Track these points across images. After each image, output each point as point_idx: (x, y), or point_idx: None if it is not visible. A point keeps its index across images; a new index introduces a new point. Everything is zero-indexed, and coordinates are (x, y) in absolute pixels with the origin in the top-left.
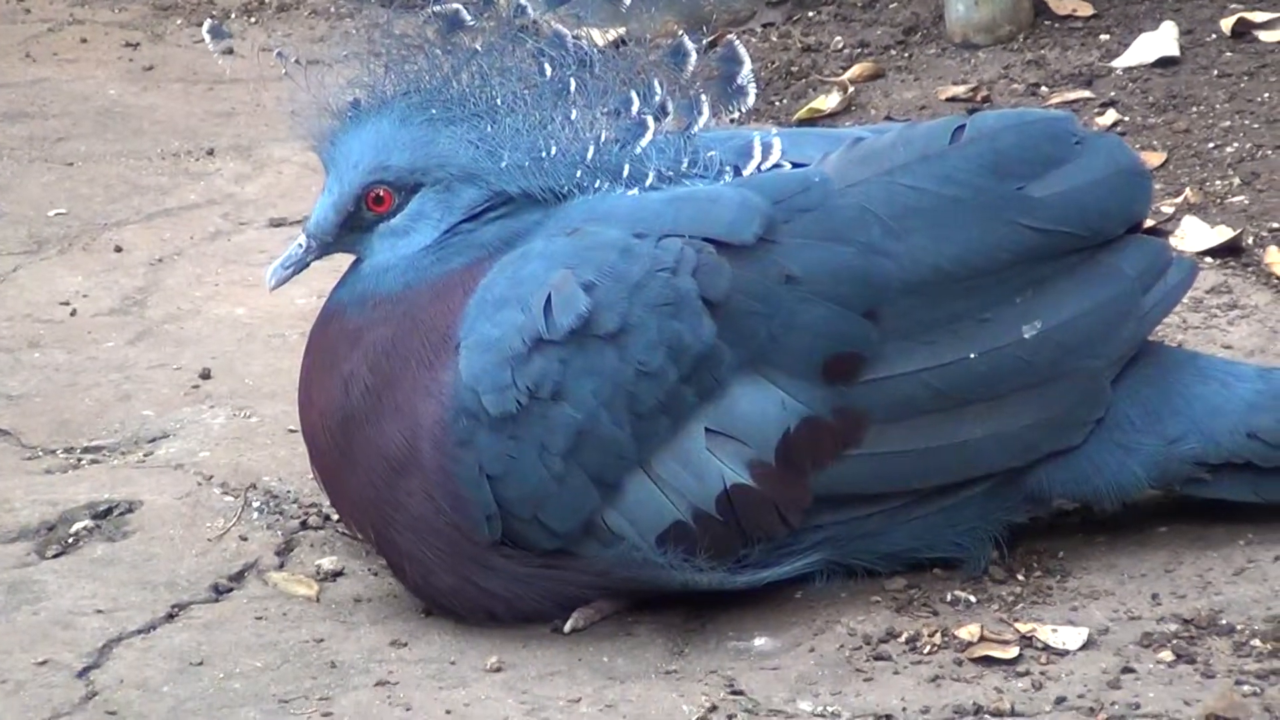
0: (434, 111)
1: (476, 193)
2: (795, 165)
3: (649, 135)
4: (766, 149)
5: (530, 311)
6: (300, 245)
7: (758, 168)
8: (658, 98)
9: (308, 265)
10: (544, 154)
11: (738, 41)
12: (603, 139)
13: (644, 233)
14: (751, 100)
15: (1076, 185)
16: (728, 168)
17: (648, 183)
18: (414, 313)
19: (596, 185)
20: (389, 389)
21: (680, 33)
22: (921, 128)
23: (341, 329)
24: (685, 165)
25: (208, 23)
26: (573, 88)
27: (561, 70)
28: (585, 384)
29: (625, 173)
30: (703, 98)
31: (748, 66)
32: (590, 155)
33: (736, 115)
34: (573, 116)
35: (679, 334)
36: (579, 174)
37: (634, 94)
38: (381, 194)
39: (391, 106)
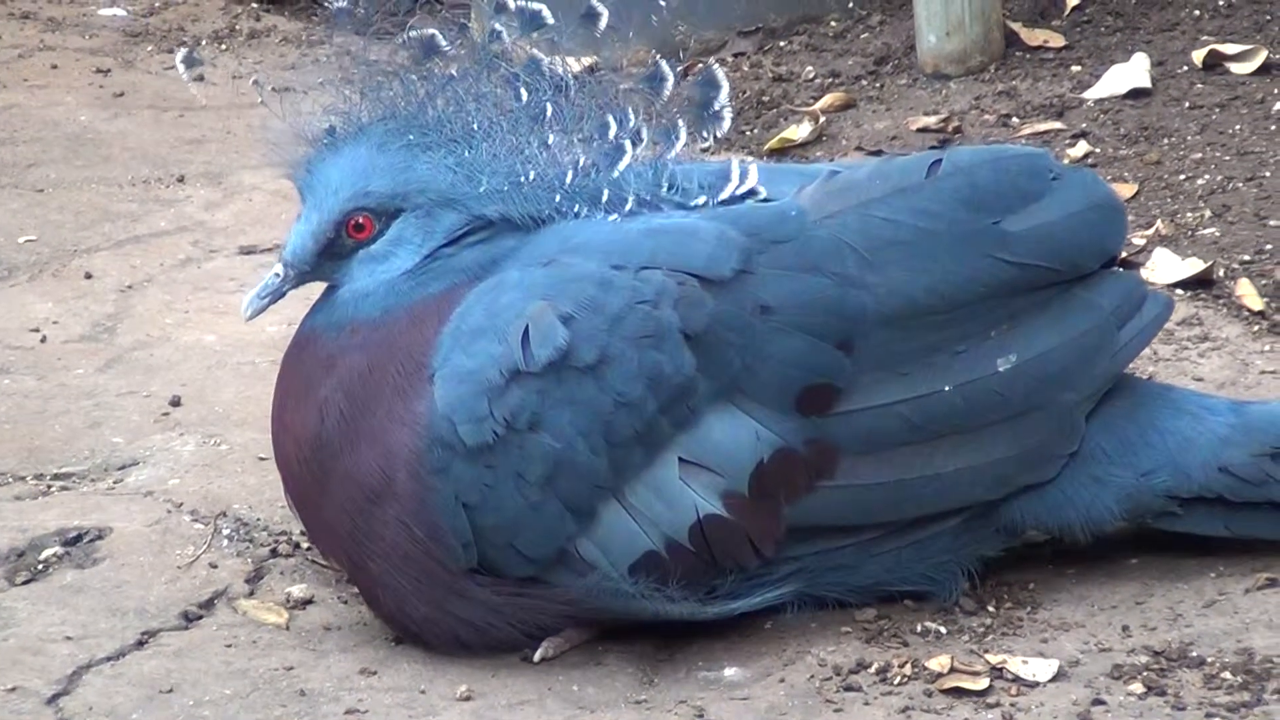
0: (411, 137)
1: (456, 217)
2: (767, 200)
3: (626, 159)
4: (744, 174)
5: (507, 343)
6: (277, 274)
7: (734, 192)
8: (633, 123)
9: (284, 294)
10: (522, 179)
11: (716, 66)
12: (580, 163)
13: (621, 264)
14: (728, 125)
15: (1052, 220)
16: (704, 192)
17: (627, 207)
18: (391, 339)
19: (576, 210)
20: (364, 416)
21: (657, 58)
22: (898, 162)
23: (316, 355)
24: (665, 190)
25: (181, 51)
26: (549, 113)
27: (538, 95)
28: (563, 414)
29: (604, 197)
30: (679, 122)
31: (725, 91)
32: (569, 180)
33: (711, 141)
34: (550, 141)
35: (659, 365)
36: (558, 199)
37: (611, 119)
38: (362, 220)
39: (369, 133)
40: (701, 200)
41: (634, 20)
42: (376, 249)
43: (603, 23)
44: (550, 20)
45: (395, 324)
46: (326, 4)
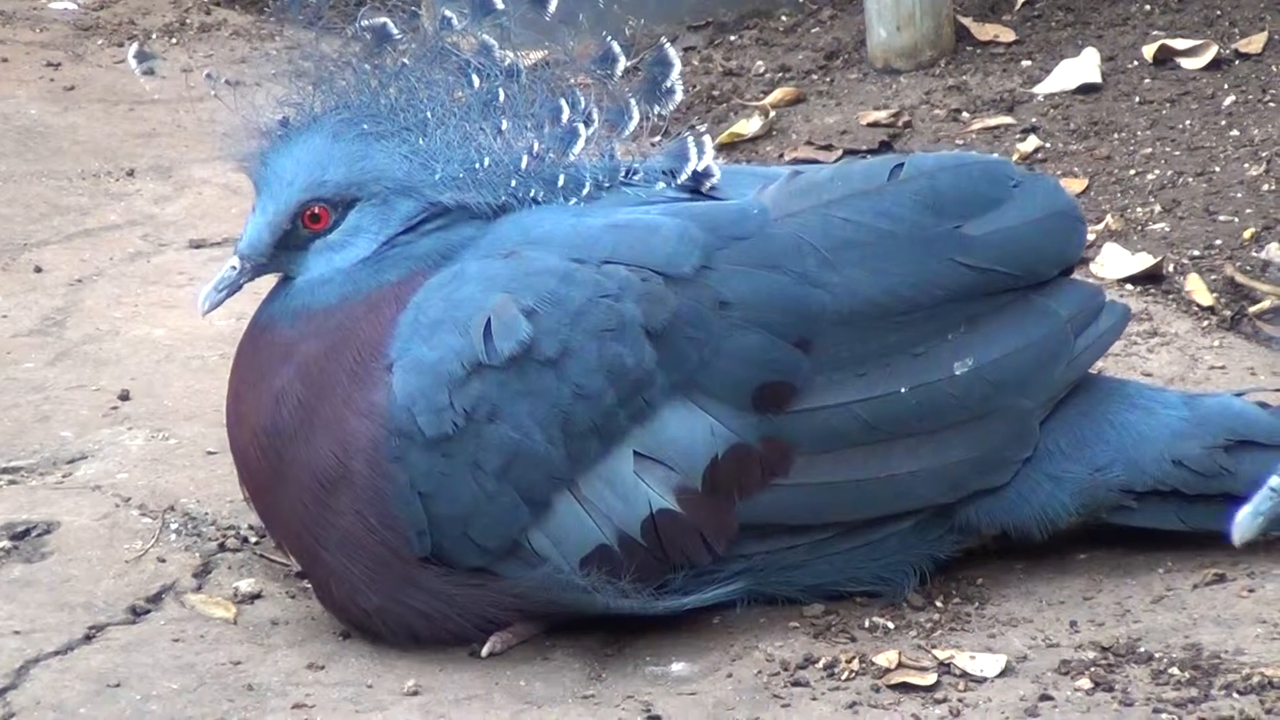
0: (365, 126)
1: (413, 205)
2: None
3: (580, 143)
4: (700, 149)
5: (469, 335)
6: (233, 267)
7: (695, 170)
8: (584, 105)
9: (240, 287)
10: (477, 165)
11: (668, 45)
12: (535, 149)
13: (583, 259)
14: (678, 98)
15: (1012, 225)
16: (664, 178)
17: (585, 191)
18: (348, 326)
19: (532, 194)
20: (321, 404)
21: (608, 39)
22: (860, 164)
23: (272, 343)
24: (623, 173)
25: (133, 47)
26: (502, 98)
27: (490, 81)
28: (521, 405)
29: (560, 182)
30: (631, 101)
31: (677, 69)
32: (524, 165)
33: (664, 114)
34: (503, 127)
35: (620, 358)
36: (513, 183)
37: (563, 102)
38: (318, 211)
39: (322, 123)
40: (661, 185)
41: (585, 15)
42: (333, 238)
43: (552, 5)
44: (501, 5)
45: (353, 311)
46: None
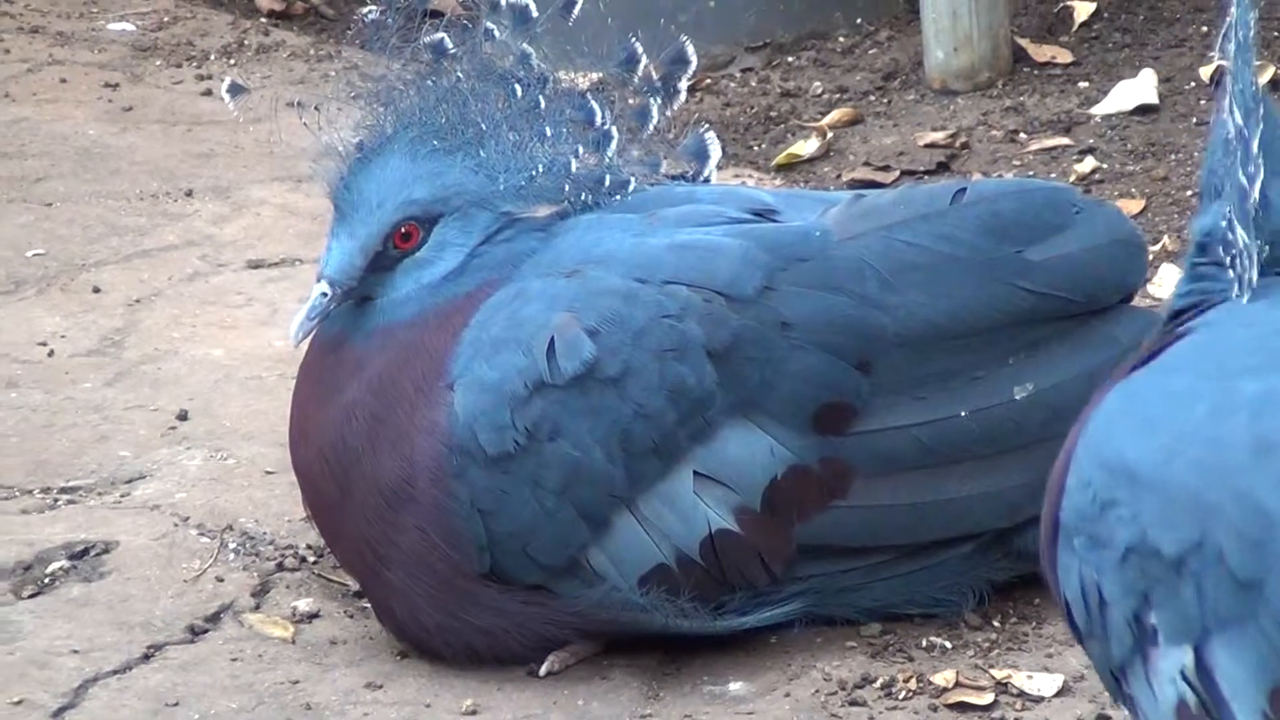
0: (435, 143)
1: (489, 216)
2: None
3: (615, 143)
4: (714, 143)
5: (532, 354)
6: (324, 294)
7: (717, 164)
8: (614, 109)
9: (330, 314)
10: (533, 173)
11: (687, 43)
12: (580, 152)
13: (645, 278)
14: (682, 98)
15: (1073, 251)
16: (689, 169)
17: (630, 189)
18: (419, 340)
19: (584, 198)
20: (389, 418)
21: (632, 41)
22: (923, 189)
23: (343, 359)
24: (662, 170)
25: (227, 81)
26: (543, 105)
27: (530, 90)
28: (582, 424)
29: (607, 183)
30: (651, 101)
31: (691, 67)
32: (574, 169)
33: (670, 112)
34: (547, 134)
35: (681, 378)
36: (567, 188)
37: (595, 105)
38: (408, 230)
39: (396, 143)
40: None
41: (642, 38)
42: (422, 255)
43: (576, 10)
44: (536, 14)
45: (425, 325)
46: (358, 18)
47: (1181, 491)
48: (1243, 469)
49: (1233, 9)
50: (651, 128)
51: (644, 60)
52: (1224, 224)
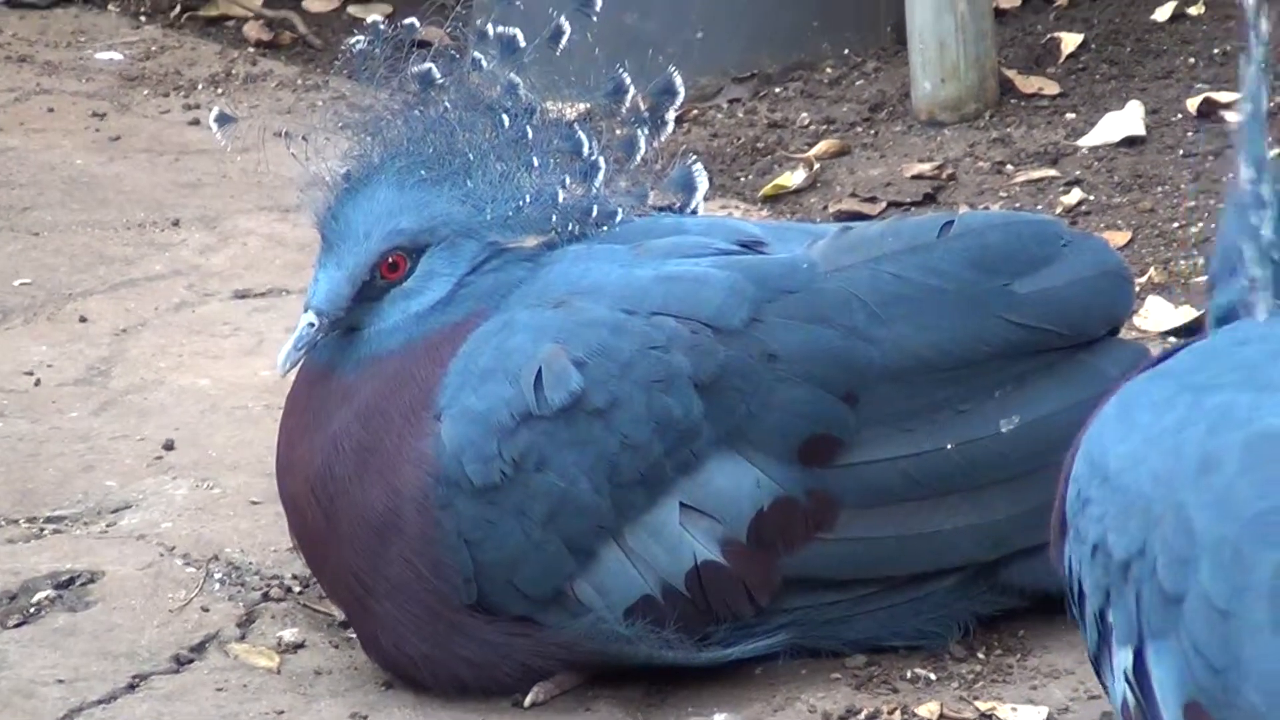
0: (422, 173)
1: (475, 246)
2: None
3: (602, 174)
4: (700, 174)
5: (519, 386)
6: (311, 324)
7: (703, 197)
8: (601, 139)
9: (317, 344)
10: (520, 203)
11: (675, 73)
12: (567, 182)
13: (632, 309)
14: (669, 129)
15: (1060, 284)
16: (676, 200)
17: (618, 220)
18: (407, 369)
19: (571, 229)
20: (377, 447)
21: (619, 71)
22: (910, 221)
23: (331, 389)
24: (650, 201)
25: (215, 110)
26: (530, 136)
27: (518, 121)
28: (569, 455)
29: (594, 213)
30: (638, 132)
31: (680, 98)
32: (561, 199)
33: (658, 143)
34: (535, 164)
35: (668, 409)
36: (554, 218)
37: (582, 136)
38: (395, 260)
39: (383, 173)
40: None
41: (629, 68)
42: (409, 285)
43: (563, 41)
44: (523, 44)
45: (412, 355)
46: (345, 48)
47: (1138, 498)
48: (1185, 483)
49: (1247, 80)
50: (639, 158)
51: (632, 90)
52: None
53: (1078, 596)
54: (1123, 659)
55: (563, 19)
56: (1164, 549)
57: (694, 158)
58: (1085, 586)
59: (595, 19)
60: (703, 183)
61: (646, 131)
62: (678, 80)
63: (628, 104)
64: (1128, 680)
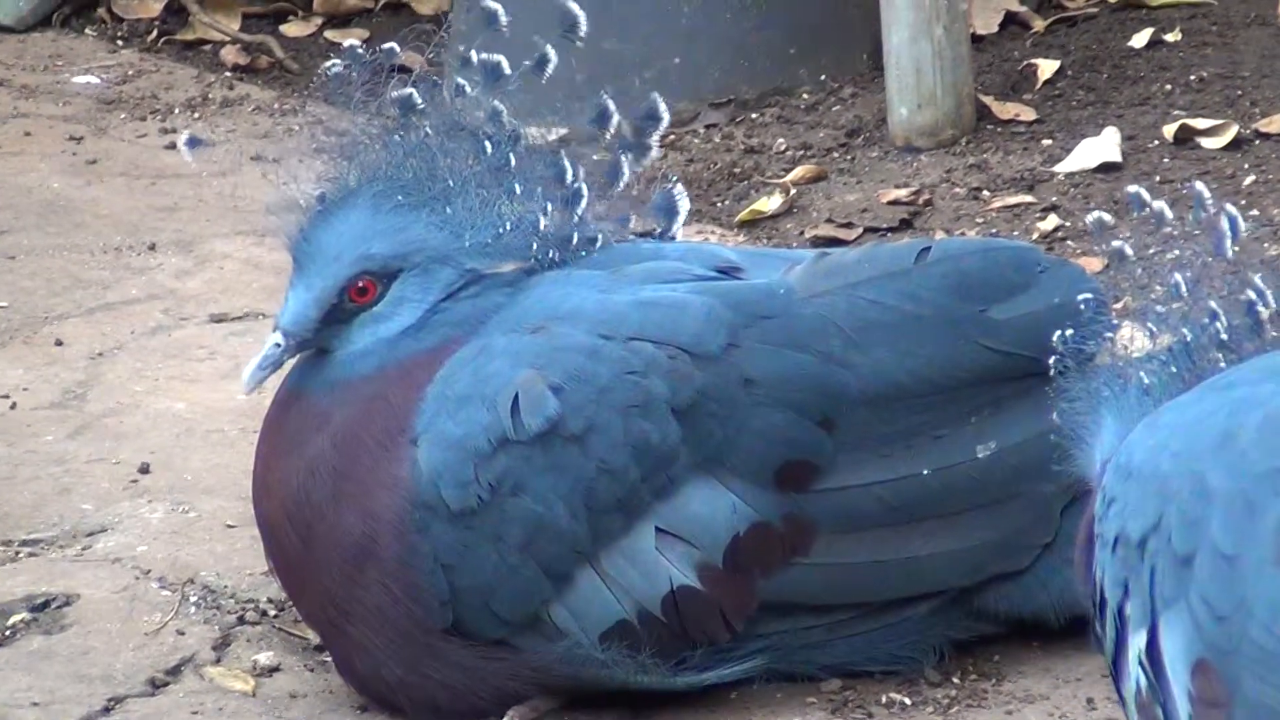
0: (400, 198)
1: (451, 273)
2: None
3: (584, 201)
4: (683, 199)
5: (496, 411)
6: (277, 344)
7: (684, 220)
8: (584, 167)
9: (283, 364)
10: (500, 230)
11: (659, 99)
12: (549, 209)
13: (609, 335)
14: (654, 154)
15: (1037, 310)
16: (658, 225)
17: (598, 246)
18: (382, 393)
19: (551, 256)
20: (351, 472)
21: (603, 96)
22: (887, 247)
23: (305, 413)
24: (630, 226)
25: (185, 134)
26: (513, 163)
27: (500, 148)
28: (545, 480)
29: (575, 240)
30: (622, 158)
31: (664, 123)
32: (542, 226)
33: (640, 169)
34: (517, 191)
35: (645, 434)
36: (535, 246)
37: (565, 163)
38: (364, 284)
39: (359, 196)
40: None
41: (608, 92)
42: (379, 310)
43: (549, 69)
44: (508, 71)
45: (387, 379)
46: (321, 72)
47: (1155, 478)
48: (1203, 455)
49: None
50: (622, 184)
51: (616, 116)
52: None
53: (1099, 607)
54: (1136, 644)
55: (548, 47)
56: (1179, 515)
57: (675, 181)
58: (1106, 590)
59: (580, 44)
60: (684, 207)
61: (631, 157)
62: (661, 106)
63: (612, 130)
64: (1141, 665)
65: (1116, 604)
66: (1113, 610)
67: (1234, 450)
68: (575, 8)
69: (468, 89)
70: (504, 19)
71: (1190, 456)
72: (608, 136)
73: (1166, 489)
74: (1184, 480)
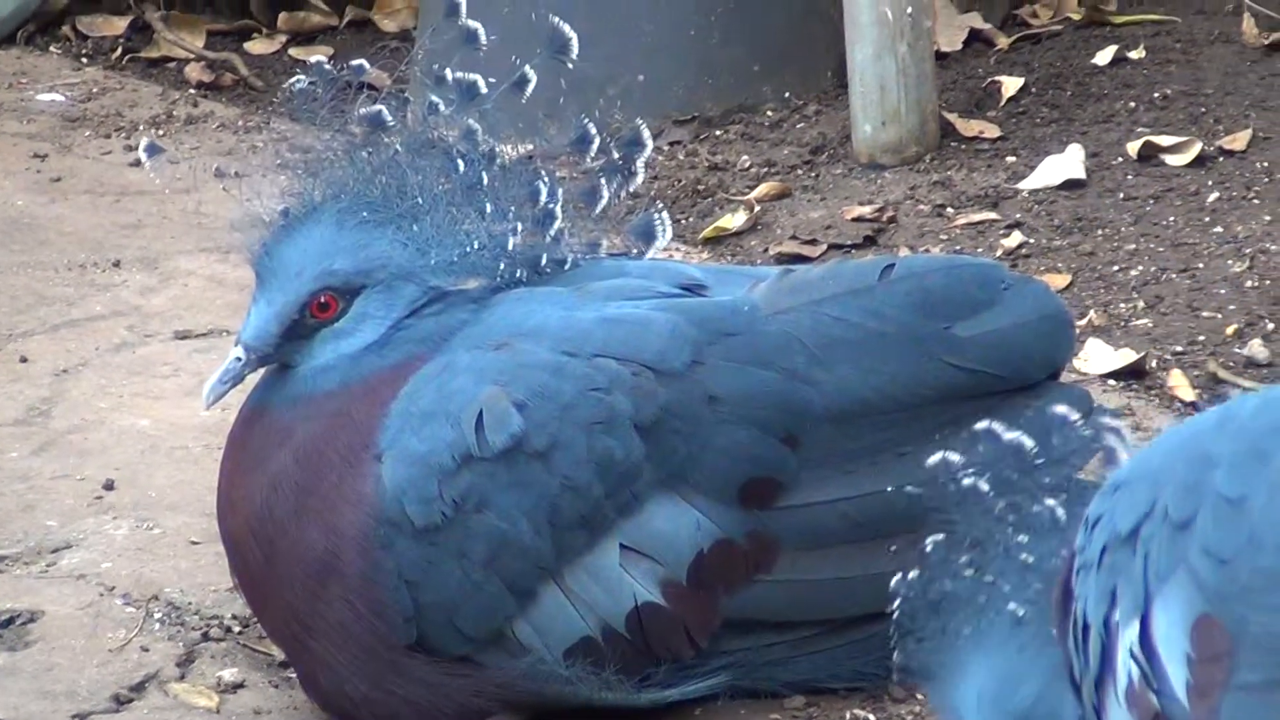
0: (365, 214)
1: (415, 290)
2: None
3: (557, 223)
4: (664, 226)
5: (460, 428)
6: (238, 358)
7: (664, 245)
8: (560, 188)
9: (243, 379)
10: (468, 249)
11: (644, 126)
12: (519, 230)
13: (574, 352)
14: (640, 180)
15: (1001, 327)
16: (635, 249)
17: (566, 268)
18: (346, 409)
19: (518, 275)
20: (315, 488)
21: (584, 120)
22: (851, 264)
23: (268, 429)
24: (603, 248)
25: (144, 140)
26: (485, 182)
27: (473, 167)
28: (509, 497)
29: (543, 261)
30: (602, 181)
31: (648, 150)
32: (511, 246)
33: (628, 194)
34: (488, 210)
35: (609, 451)
36: (502, 265)
37: (540, 184)
38: (326, 300)
39: (323, 212)
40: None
41: (572, 109)
42: (340, 326)
43: (529, 89)
44: (484, 90)
45: (350, 395)
46: (287, 88)
47: (1146, 477)
48: (1202, 436)
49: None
50: (601, 208)
51: (598, 141)
52: None
53: (1079, 640)
54: (1129, 639)
55: (528, 68)
56: (1176, 488)
57: (660, 206)
58: (1090, 614)
59: (569, 64)
60: (664, 234)
61: (618, 180)
62: (645, 133)
63: (593, 154)
64: (1134, 657)
65: (1102, 618)
66: (1097, 629)
67: (1234, 424)
68: (567, 29)
69: (441, 107)
70: (484, 38)
71: (1184, 444)
72: (588, 161)
73: (1160, 479)
74: (1180, 461)
